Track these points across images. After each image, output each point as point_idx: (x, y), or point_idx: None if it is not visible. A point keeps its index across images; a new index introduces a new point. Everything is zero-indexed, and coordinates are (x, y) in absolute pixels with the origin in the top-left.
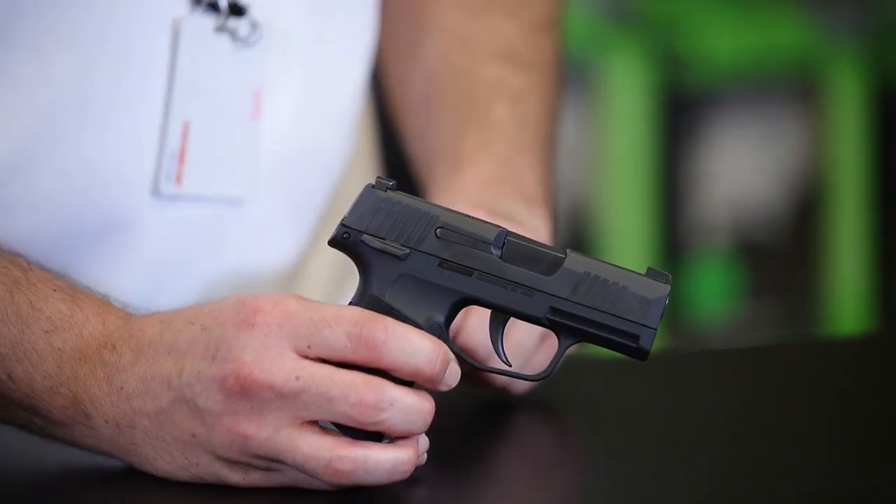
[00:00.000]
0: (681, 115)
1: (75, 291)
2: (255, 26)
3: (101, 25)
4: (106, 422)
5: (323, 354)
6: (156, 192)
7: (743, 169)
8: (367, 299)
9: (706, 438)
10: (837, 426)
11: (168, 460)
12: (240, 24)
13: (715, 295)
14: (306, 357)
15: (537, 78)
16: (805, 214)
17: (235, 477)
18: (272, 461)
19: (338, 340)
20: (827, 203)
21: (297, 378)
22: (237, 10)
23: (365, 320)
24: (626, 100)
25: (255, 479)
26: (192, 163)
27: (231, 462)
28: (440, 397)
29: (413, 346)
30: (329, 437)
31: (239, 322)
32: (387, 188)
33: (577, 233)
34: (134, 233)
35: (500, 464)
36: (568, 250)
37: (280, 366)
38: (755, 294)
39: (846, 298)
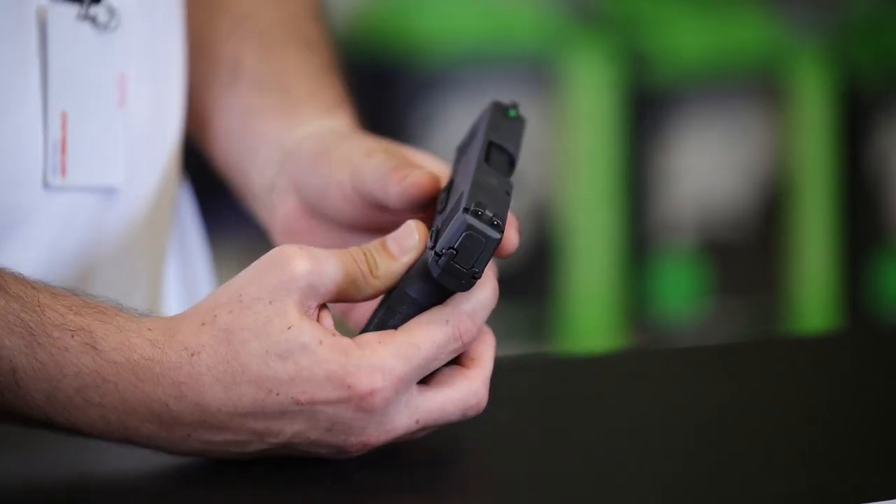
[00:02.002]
0: (645, 113)
1: (93, 332)
2: (112, 11)
3: None
4: (169, 453)
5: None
6: (46, 184)
7: (708, 167)
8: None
9: (676, 436)
10: (807, 423)
11: (242, 458)
12: (99, 11)
13: (681, 294)
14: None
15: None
16: (771, 212)
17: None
18: None
19: (448, 358)
20: (793, 201)
21: (416, 422)
22: None
23: (460, 331)
24: (590, 98)
25: None
26: (73, 153)
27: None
28: None
29: (486, 308)
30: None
31: (353, 407)
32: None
33: (541, 232)
34: (28, 227)
35: (463, 465)
36: None
37: (400, 420)
38: (721, 292)
39: (813, 296)
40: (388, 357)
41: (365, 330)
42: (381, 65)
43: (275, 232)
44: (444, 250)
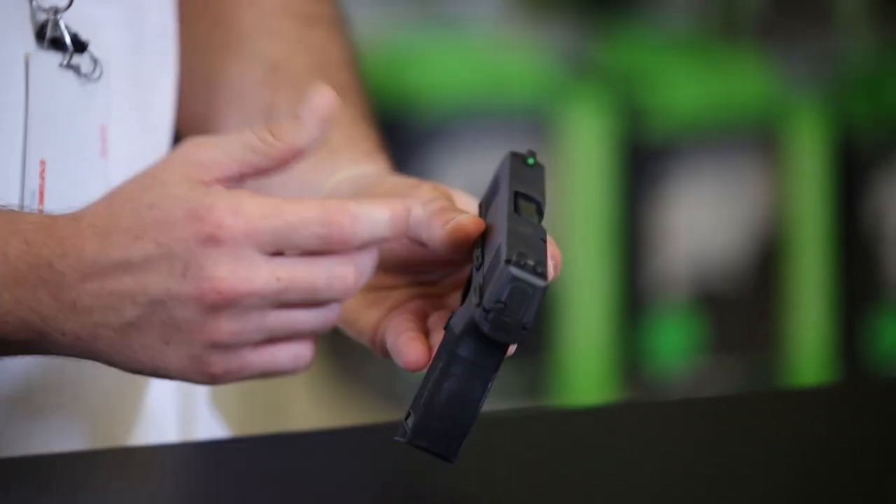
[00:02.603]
0: (641, 167)
1: None
2: (96, 61)
3: None
4: (63, 334)
5: (294, 254)
6: None
7: (704, 221)
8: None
9: (674, 487)
10: (804, 476)
11: (135, 364)
12: (82, 61)
13: (677, 349)
14: (277, 255)
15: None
16: (767, 267)
17: (215, 369)
18: (245, 356)
19: (308, 242)
20: (789, 255)
21: (277, 279)
22: (79, 47)
23: (331, 216)
24: (586, 152)
25: (232, 371)
26: (51, 202)
27: (211, 355)
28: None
29: (375, 220)
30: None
31: (202, 239)
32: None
33: None
34: None
35: None
36: None
37: (257, 271)
38: (717, 347)
39: (809, 352)
40: (248, 202)
41: (417, 397)
42: (377, 118)
43: None
44: (492, 305)
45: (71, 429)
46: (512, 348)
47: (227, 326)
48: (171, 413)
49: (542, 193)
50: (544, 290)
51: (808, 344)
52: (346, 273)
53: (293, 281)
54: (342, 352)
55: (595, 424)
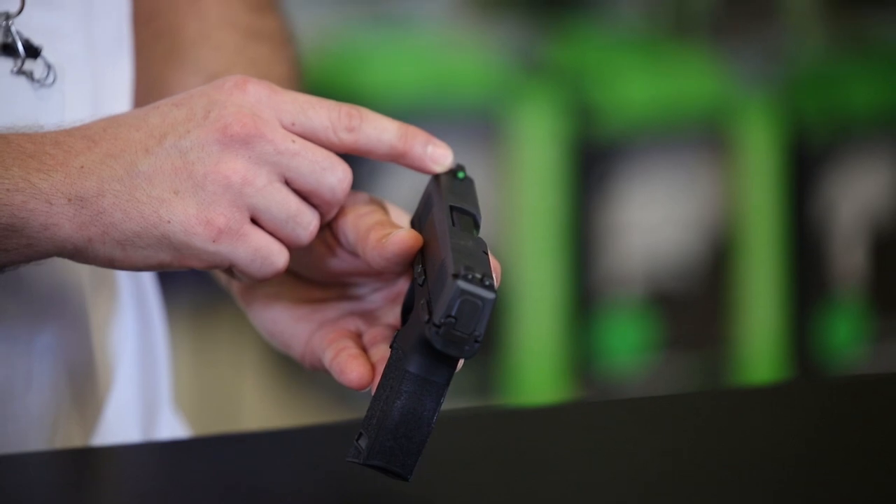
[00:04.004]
0: (592, 165)
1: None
2: (49, 67)
3: None
4: (69, 200)
5: (305, 134)
6: None
7: (655, 219)
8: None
9: (621, 488)
10: (755, 474)
11: (137, 221)
12: (35, 66)
13: (629, 347)
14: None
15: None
16: (718, 264)
17: (219, 220)
18: (246, 224)
19: (321, 122)
20: (740, 252)
21: (293, 141)
22: (31, 52)
23: (344, 106)
24: (536, 151)
25: (232, 231)
26: None
27: (219, 200)
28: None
29: (383, 125)
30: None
31: (229, 88)
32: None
33: None
34: None
35: None
36: None
37: (276, 126)
38: (669, 345)
39: (760, 348)
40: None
41: (368, 417)
42: None
43: (234, 292)
44: (442, 320)
45: (31, 433)
46: (460, 363)
47: (241, 165)
48: (134, 415)
49: (476, 206)
50: (494, 301)
51: (759, 341)
52: (344, 167)
53: (305, 148)
54: None
55: (546, 423)
